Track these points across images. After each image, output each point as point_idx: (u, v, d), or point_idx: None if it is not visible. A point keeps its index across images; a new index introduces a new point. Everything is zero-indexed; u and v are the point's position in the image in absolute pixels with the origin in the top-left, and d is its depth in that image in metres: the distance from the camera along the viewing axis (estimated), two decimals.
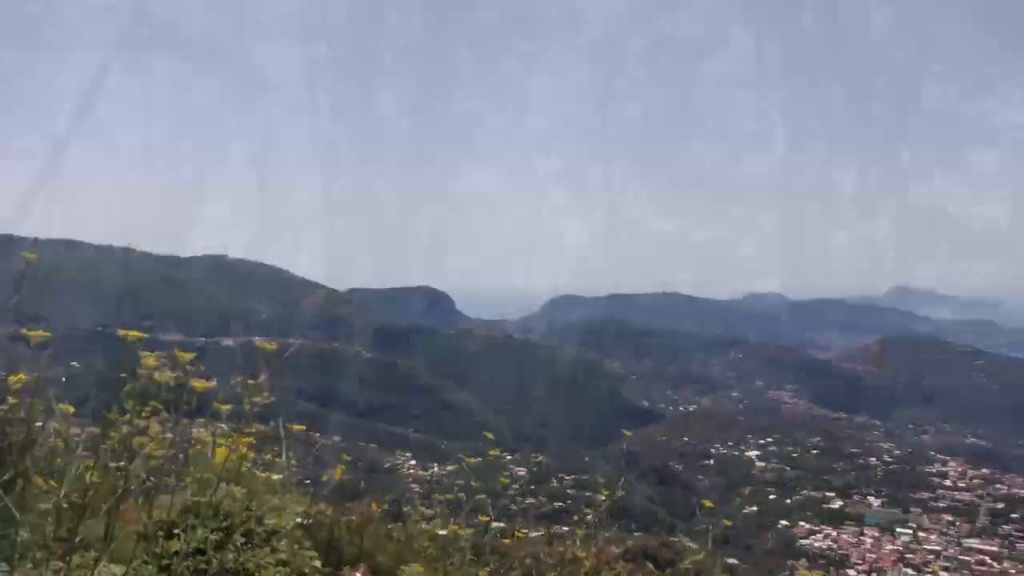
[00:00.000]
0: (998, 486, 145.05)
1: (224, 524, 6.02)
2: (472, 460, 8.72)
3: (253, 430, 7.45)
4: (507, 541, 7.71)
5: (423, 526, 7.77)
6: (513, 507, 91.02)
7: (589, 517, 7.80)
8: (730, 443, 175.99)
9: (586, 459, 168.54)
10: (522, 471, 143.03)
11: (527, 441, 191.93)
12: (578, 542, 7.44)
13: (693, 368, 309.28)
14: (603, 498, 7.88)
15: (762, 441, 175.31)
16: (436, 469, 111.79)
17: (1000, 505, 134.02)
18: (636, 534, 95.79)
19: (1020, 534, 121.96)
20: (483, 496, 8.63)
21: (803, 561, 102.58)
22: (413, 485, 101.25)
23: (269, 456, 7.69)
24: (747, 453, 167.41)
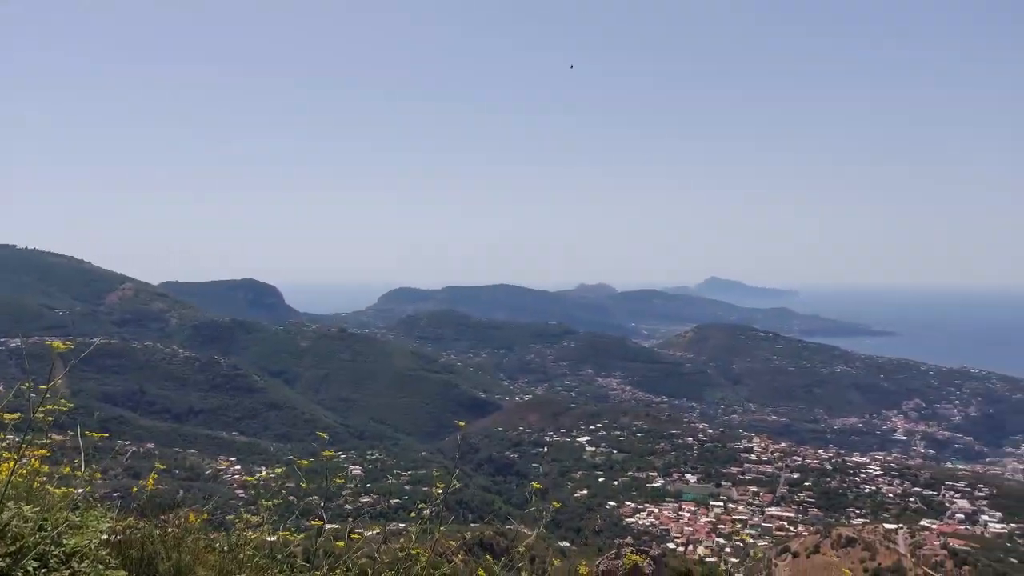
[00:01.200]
0: (795, 458, 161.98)
1: (12, 548, 5.34)
2: (303, 462, 8.33)
3: (47, 441, 6.67)
4: (340, 544, 7.44)
5: (249, 534, 7.32)
6: (348, 507, 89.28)
7: (426, 512, 7.71)
8: (563, 430, 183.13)
9: (423, 453, 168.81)
10: (358, 470, 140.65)
11: (363, 438, 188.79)
12: (413, 538, 7.34)
13: (528, 358, 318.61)
14: (438, 492, 7.82)
15: (592, 427, 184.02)
16: (264, 473, 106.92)
17: (796, 475, 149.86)
18: (473, 525, 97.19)
19: (812, 500, 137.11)
20: (315, 498, 8.30)
21: (628, 539, 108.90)
22: (238, 491, 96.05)
23: (67, 469, 6.90)
24: (579, 439, 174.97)
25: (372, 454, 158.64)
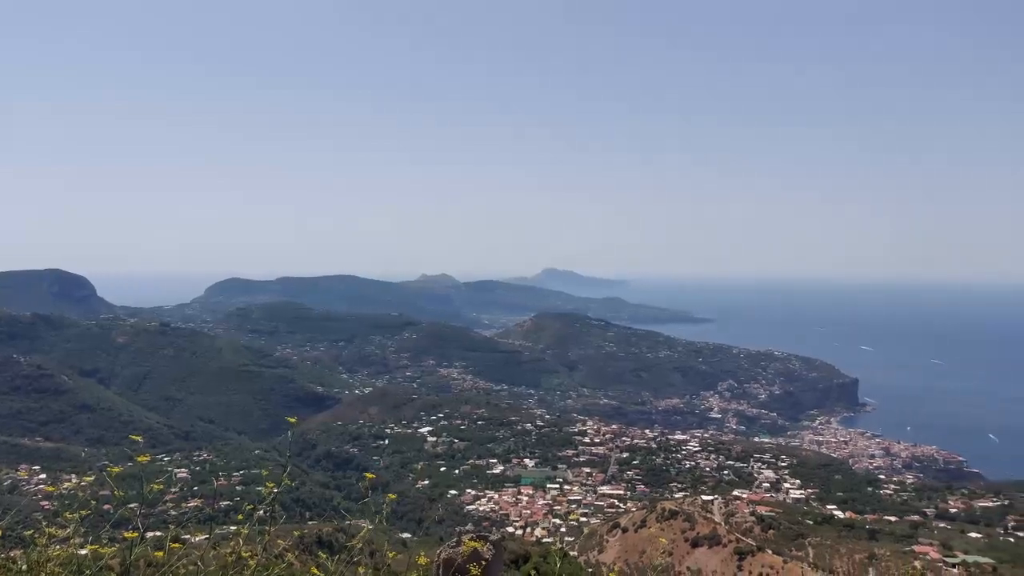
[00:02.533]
0: (624, 438, 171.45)
1: None
2: (117, 468, 7.67)
3: None
4: (160, 554, 6.92)
5: (54, 550, 6.64)
6: (173, 513, 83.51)
7: (259, 513, 7.39)
8: (404, 421, 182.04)
9: (256, 452, 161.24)
10: (184, 472, 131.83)
11: (189, 439, 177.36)
12: (242, 541, 7.00)
13: (368, 350, 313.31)
14: (271, 491, 7.50)
15: (433, 417, 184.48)
16: (73, 482, 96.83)
17: (625, 455, 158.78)
18: (311, 522, 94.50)
19: (639, 478, 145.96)
20: (134, 506, 7.68)
21: (469, 526, 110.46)
22: (43, 503, 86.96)
23: None
24: (420, 430, 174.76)
25: (199, 455, 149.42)
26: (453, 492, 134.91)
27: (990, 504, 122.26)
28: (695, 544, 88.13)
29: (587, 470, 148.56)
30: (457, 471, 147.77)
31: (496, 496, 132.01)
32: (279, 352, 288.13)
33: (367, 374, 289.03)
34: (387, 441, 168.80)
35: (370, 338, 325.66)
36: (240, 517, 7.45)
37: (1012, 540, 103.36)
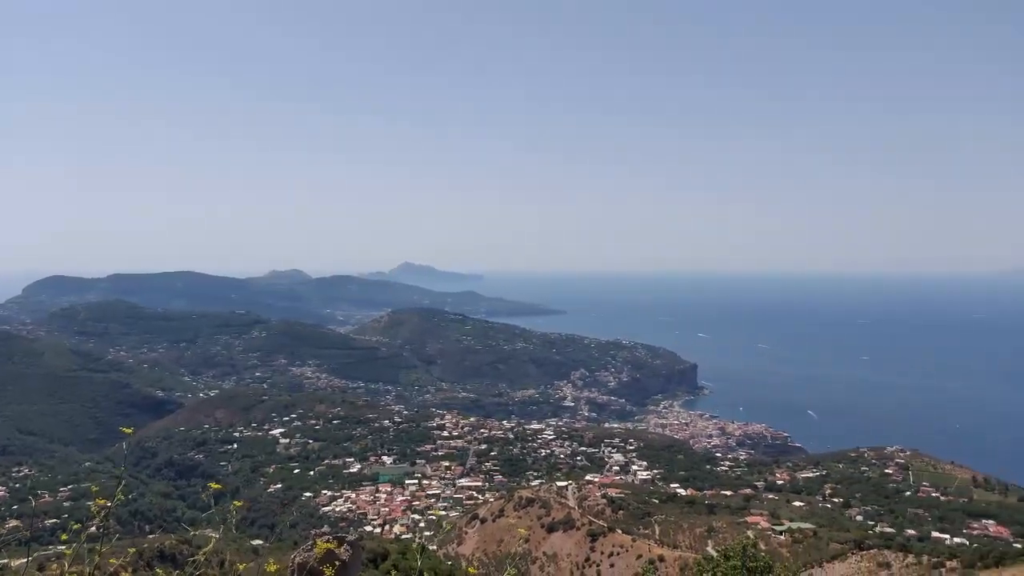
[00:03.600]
0: (482, 431, 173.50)
1: None
2: None
3: None
4: None
5: None
6: None
7: (91, 529, 6.87)
8: (254, 424, 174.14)
9: (87, 464, 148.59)
10: (1, 491, 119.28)
11: (7, 453, 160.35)
12: (68, 563, 6.49)
13: (214, 351, 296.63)
14: (102, 505, 6.99)
15: (286, 418, 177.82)
16: None
17: (484, 447, 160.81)
18: (152, 535, 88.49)
19: (497, 468, 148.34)
20: None
21: (325, 528, 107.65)
22: None
23: None
24: (272, 432, 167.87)
25: (19, 471, 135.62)
26: (308, 494, 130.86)
27: (811, 475, 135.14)
28: (551, 529, 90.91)
29: (446, 464, 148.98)
30: (312, 472, 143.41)
31: (353, 496, 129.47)
32: (112, 355, 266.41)
33: (213, 376, 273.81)
34: (236, 445, 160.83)
35: (215, 338, 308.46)
36: (64, 536, 6.90)
37: (829, 506, 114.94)
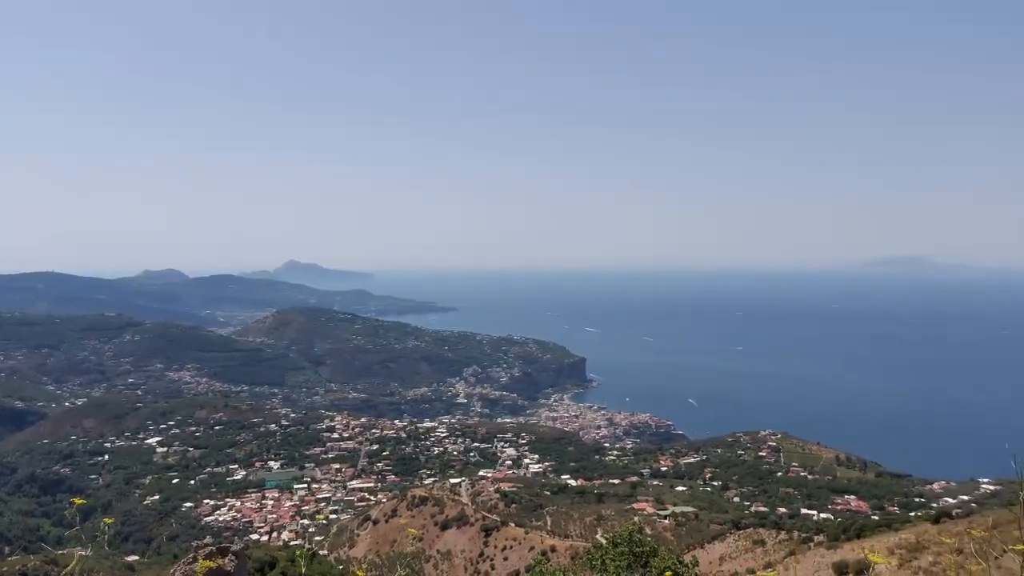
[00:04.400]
0: (374, 431, 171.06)
1: None
2: None
3: None
4: None
5: None
6: None
7: None
8: (127, 433, 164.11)
9: None
10: None
11: None
12: None
13: (80, 356, 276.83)
14: None
15: (163, 426, 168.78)
16: None
17: (376, 447, 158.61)
18: (12, 558, 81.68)
19: (390, 468, 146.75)
20: None
21: (207, 539, 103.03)
22: None
23: None
24: (147, 441, 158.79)
25: None
26: (188, 505, 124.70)
27: (692, 460, 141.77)
28: (444, 527, 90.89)
29: (336, 466, 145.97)
30: (193, 482, 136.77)
31: (238, 503, 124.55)
32: None
33: (80, 383, 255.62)
34: (107, 457, 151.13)
35: (82, 343, 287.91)
36: None
37: (709, 489, 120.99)
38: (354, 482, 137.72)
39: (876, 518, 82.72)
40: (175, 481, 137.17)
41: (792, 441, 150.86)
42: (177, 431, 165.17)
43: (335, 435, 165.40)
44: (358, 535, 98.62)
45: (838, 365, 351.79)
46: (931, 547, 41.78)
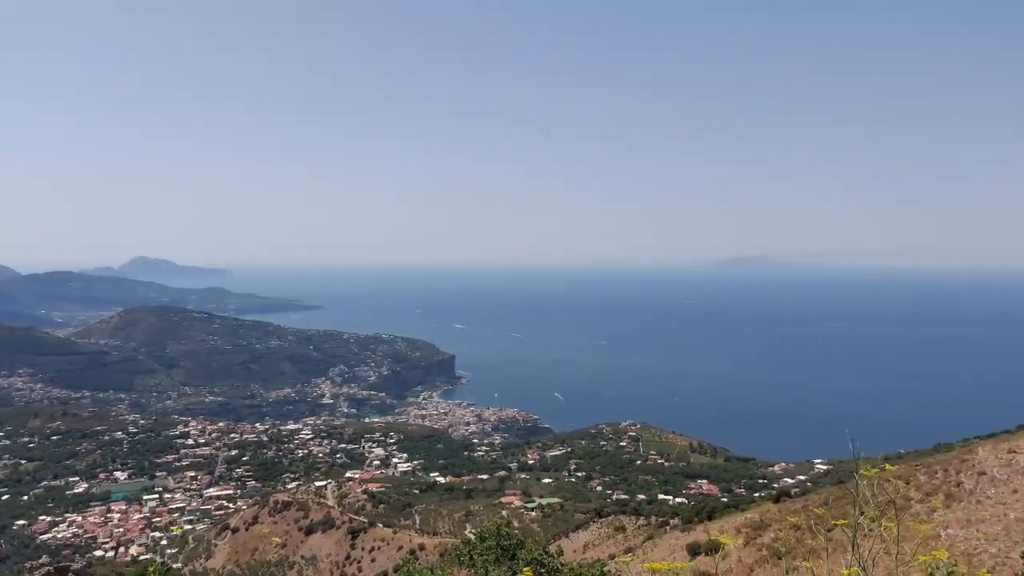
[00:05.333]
0: (233, 435, 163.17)
1: None
2: None
3: None
4: None
5: None
6: None
7: None
8: None
9: None
10: None
11: None
12: None
13: None
14: None
15: None
16: None
17: (235, 452, 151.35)
18: None
19: (250, 474, 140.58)
20: None
21: (44, 559, 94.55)
22: None
23: None
24: None
25: None
26: (21, 522, 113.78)
27: (558, 453, 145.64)
28: (309, 531, 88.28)
29: (192, 474, 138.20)
30: (26, 497, 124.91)
31: (79, 519, 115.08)
32: None
33: None
34: None
35: None
36: None
37: (574, 480, 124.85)
38: (211, 490, 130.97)
39: (725, 500, 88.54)
40: (5, 497, 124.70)
41: (651, 431, 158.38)
42: (7, 443, 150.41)
43: (190, 441, 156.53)
44: (216, 545, 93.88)
45: (688, 356, 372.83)
46: (773, 525, 45.24)
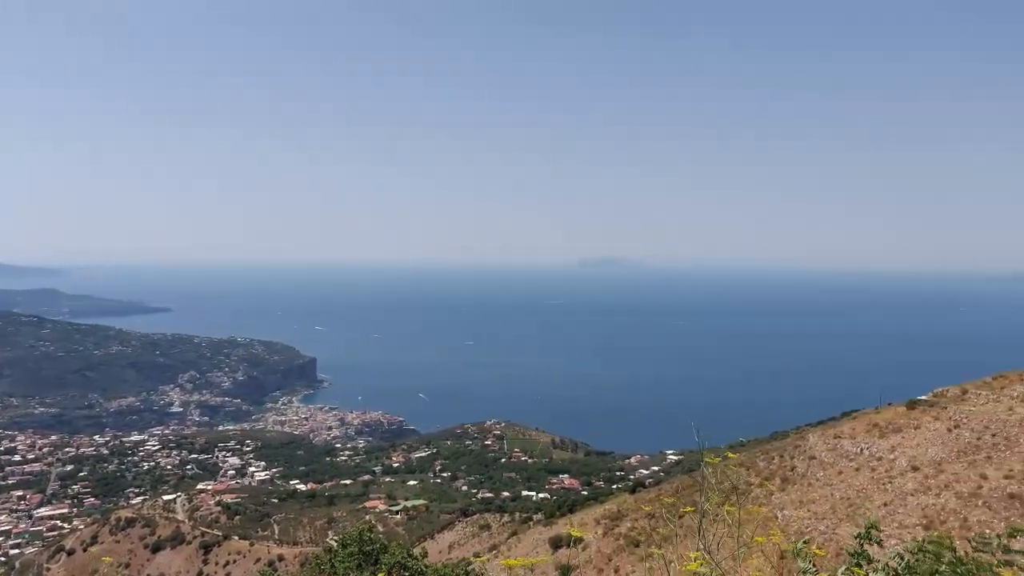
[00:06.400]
0: (68, 450, 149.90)
1: None
2: None
3: None
4: None
5: None
6: None
7: None
8: None
9: None
10: None
11: None
12: None
13: None
14: None
15: None
16: None
17: (70, 468, 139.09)
18: None
19: (88, 490, 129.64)
20: None
21: None
22: None
23: None
24: None
25: None
26: None
27: (423, 454, 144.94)
28: (156, 549, 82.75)
29: (19, 493, 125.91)
30: None
31: None
32: None
33: None
34: None
35: None
36: None
37: (439, 481, 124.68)
38: (43, 509, 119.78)
39: (586, 493, 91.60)
40: None
41: (515, 428, 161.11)
42: None
43: (17, 458, 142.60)
44: (49, 570, 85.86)
45: (554, 353, 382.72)
46: (629, 514, 47.35)
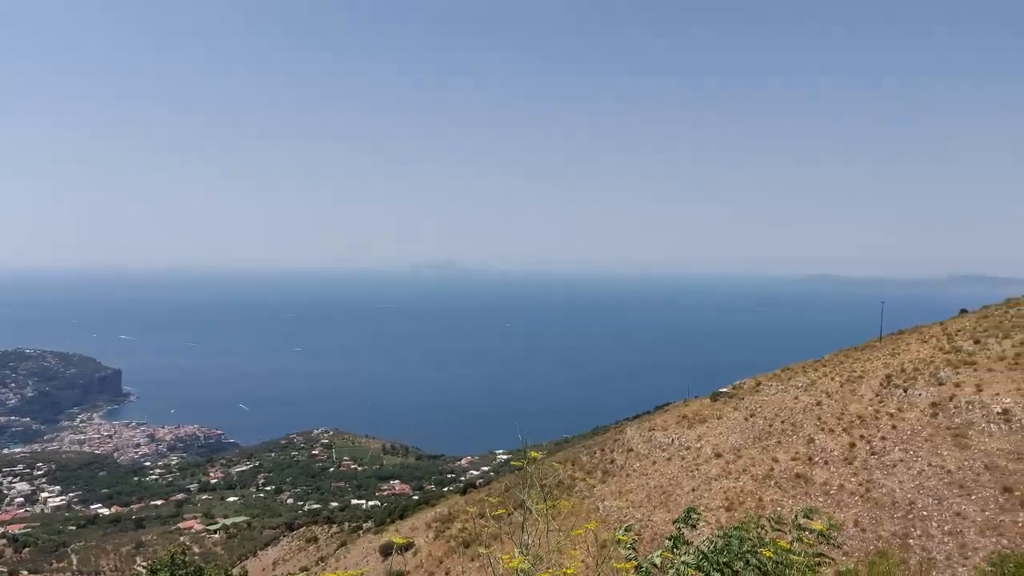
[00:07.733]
0: None
1: None
2: None
3: None
4: None
5: None
6: None
7: None
8: None
9: None
10: None
11: None
12: None
13: None
14: None
15: None
16: None
17: None
18: None
19: None
20: None
21: None
22: None
23: None
24: None
25: None
26: None
27: (244, 468, 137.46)
28: None
29: None
30: None
31: None
32: None
33: None
34: None
35: None
36: None
37: (263, 495, 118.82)
38: None
39: (417, 498, 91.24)
40: None
41: (344, 436, 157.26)
42: None
43: None
44: None
45: (386, 357, 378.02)
46: (460, 516, 47.75)
